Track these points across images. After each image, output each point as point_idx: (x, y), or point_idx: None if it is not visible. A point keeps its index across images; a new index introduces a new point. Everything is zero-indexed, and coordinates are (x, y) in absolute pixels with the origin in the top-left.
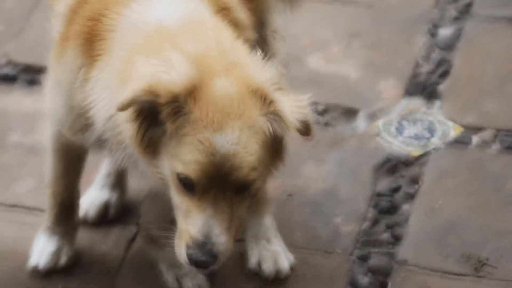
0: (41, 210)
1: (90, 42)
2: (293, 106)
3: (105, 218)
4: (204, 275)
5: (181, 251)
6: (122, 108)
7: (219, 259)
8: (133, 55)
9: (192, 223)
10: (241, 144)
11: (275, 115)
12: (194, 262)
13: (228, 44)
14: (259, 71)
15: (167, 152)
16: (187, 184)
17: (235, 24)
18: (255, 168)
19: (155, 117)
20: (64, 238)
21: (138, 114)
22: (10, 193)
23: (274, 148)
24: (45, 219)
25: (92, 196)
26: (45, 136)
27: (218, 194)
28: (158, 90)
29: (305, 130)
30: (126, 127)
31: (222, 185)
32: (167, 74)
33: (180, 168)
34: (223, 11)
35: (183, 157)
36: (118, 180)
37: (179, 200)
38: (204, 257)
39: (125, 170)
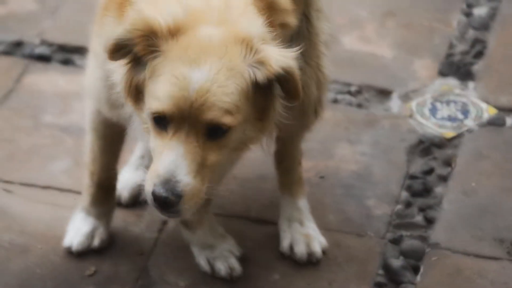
0: (75, 192)
1: (123, 10)
2: (279, 56)
3: (139, 200)
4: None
5: (147, 189)
6: (109, 51)
7: (183, 200)
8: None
9: (161, 161)
10: (217, 82)
11: (259, 64)
12: (157, 200)
13: (235, 5)
14: (249, 26)
15: (147, 94)
16: (161, 123)
17: (273, 8)
18: (230, 111)
19: (141, 61)
20: (100, 219)
21: (126, 59)
22: (44, 174)
23: (260, 106)
24: (82, 199)
25: (126, 178)
26: (86, 114)
27: (191, 135)
28: (138, 26)
29: (290, 84)
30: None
31: (195, 124)
32: (154, 14)
33: (155, 105)
34: None
35: (158, 93)
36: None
37: (154, 143)
38: (165, 193)
39: None
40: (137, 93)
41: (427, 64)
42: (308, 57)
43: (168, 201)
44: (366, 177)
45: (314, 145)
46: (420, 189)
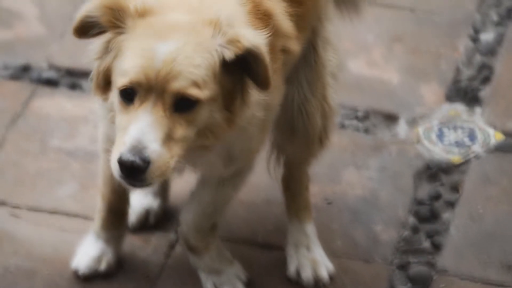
0: (81, 216)
1: None
2: (248, 34)
3: (146, 224)
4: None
5: (113, 161)
6: (76, 27)
7: (151, 168)
8: None
9: (128, 131)
10: (184, 53)
11: (227, 42)
12: (124, 166)
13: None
14: (221, 11)
15: (114, 75)
16: (127, 97)
17: (276, 32)
18: (197, 83)
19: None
20: (109, 244)
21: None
22: (51, 198)
23: (228, 91)
24: (93, 222)
25: (134, 203)
26: (98, 137)
27: (158, 105)
28: (106, 2)
29: (258, 67)
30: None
31: (162, 95)
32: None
33: (121, 81)
34: (265, 17)
35: (125, 66)
36: (161, 188)
37: (120, 119)
38: (132, 157)
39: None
40: (105, 83)
41: (434, 89)
42: (314, 88)
43: (135, 166)
44: (373, 203)
45: (321, 170)
46: (427, 215)
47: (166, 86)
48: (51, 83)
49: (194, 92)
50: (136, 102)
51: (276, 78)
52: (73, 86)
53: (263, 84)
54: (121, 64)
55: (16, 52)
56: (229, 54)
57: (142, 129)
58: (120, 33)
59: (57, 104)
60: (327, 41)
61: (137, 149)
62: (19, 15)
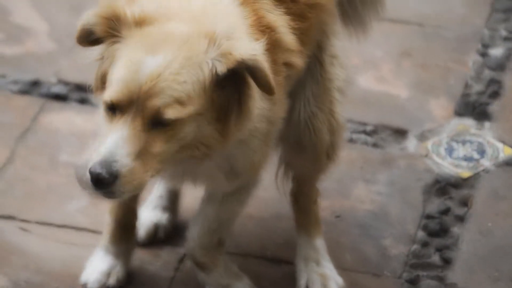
0: (91, 231)
1: None
2: (243, 46)
3: (155, 239)
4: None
5: (88, 169)
6: (77, 38)
7: (119, 181)
8: None
9: (104, 142)
10: (170, 69)
11: (220, 56)
12: (92, 177)
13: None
14: (218, 23)
15: (108, 82)
16: (111, 108)
17: (278, 46)
18: (180, 101)
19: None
20: (118, 258)
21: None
22: (60, 213)
23: (221, 104)
24: (102, 237)
25: (143, 217)
26: None
27: (137, 119)
28: (103, 11)
29: (259, 76)
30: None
31: (142, 109)
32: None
33: (107, 94)
34: (267, 30)
35: (112, 77)
36: (170, 202)
37: (104, 128)
38: (99, 170)
39: (177, 193)
40: (102, 85)
41: (443, 104)
42: (321, 102)
43: (101, 178)
44: (382, 217)
45: (330, 185)
46: (437, 229)
47: (146, 102)
48: (60, 97)
49: (172, 112)
50: (118, 113)
51: (278, 92)
52: (82, 101)
53: (266, 90)
54: (111, 73)
55: (25, 67)
56: (220, 68)
57: (116, 143)
58: (116, 42)
59: (66, 118)
60: (334, 56)
61: (107, 162)
62: (29, 31)
